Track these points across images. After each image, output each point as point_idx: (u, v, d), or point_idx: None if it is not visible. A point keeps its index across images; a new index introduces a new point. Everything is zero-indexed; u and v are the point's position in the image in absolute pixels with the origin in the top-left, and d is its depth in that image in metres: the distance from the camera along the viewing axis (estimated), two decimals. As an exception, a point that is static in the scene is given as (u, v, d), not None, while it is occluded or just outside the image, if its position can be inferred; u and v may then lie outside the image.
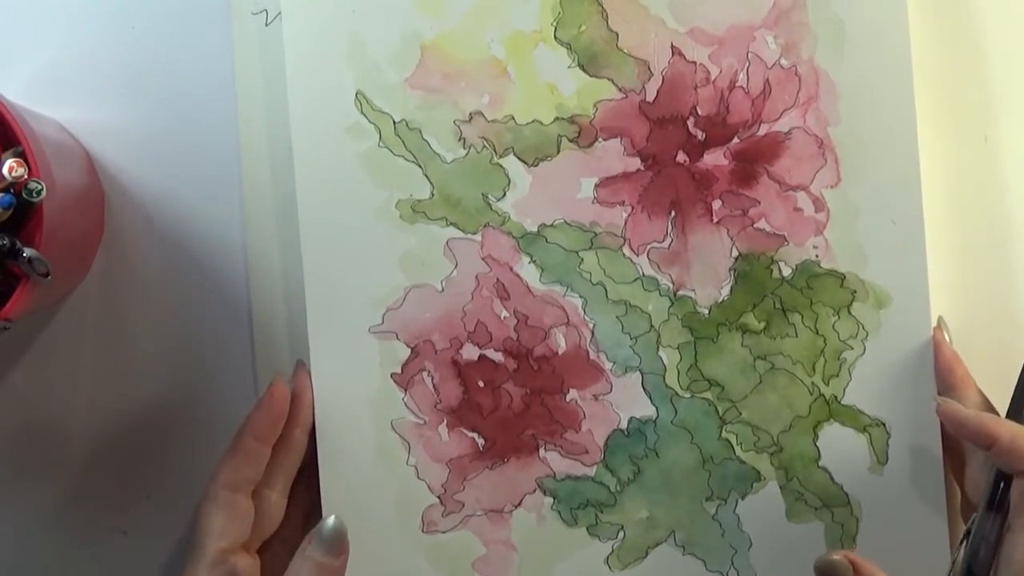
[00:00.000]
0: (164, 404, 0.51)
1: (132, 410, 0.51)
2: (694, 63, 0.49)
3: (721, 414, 0.49)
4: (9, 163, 0.40)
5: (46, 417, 0.51)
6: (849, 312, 0.48)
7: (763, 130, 0.49)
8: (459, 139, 0.49)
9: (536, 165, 0.49)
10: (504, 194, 0.49)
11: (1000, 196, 0.51)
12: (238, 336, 0.51)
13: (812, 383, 0.49)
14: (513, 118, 0.49)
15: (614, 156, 0.49)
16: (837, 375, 0.49)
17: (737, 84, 0.49)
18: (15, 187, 0.40)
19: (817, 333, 0.49)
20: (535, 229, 0.49)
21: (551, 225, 0.49)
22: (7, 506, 0.51)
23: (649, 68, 0.49)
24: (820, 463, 0.49)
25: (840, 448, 0.49)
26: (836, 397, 0.49)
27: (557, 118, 0.49)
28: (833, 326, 0.49)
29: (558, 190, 0.49)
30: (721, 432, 0.49)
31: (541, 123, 0.49)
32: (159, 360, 0.51)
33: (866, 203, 0.48)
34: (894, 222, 0.48)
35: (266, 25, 0.50)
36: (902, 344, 0.48)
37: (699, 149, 0.49)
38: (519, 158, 0.49)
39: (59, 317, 0.51)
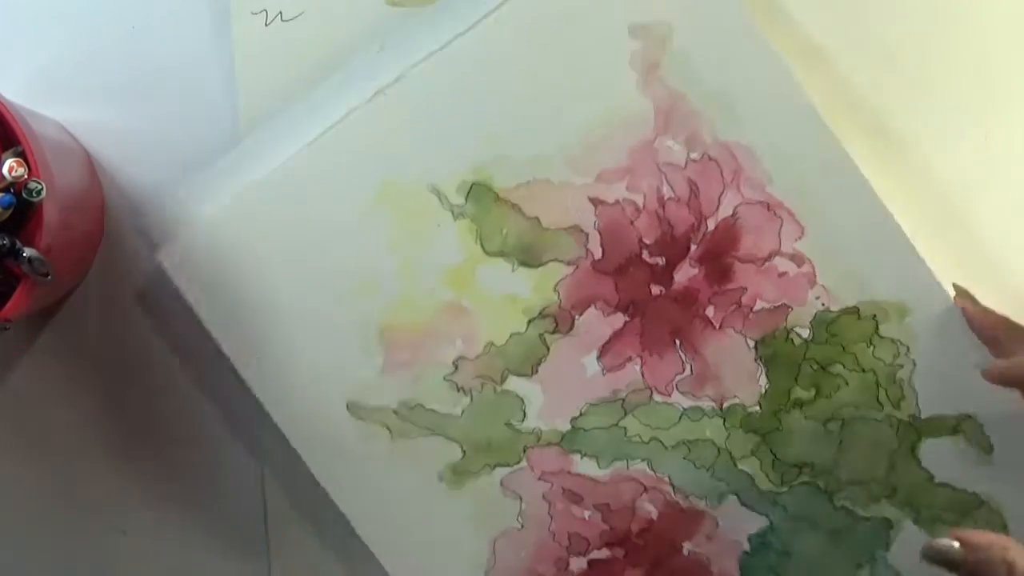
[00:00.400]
0: (164, 404, 0.51)
1: (132, 410, 0.51)
2: (618, 202, 0.49)
3: (825, 488, 0.49)
4: (9, 163, 0.40)
5: (46, 417, 0.51)
6: (880, 336, 0.48)
7: (711, 224, 0.49)
8: (458, 390, 0.49)
9: (537, 372, 0.49)
10: (524, 415, 0.49)
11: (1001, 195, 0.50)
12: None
13: (887, 415, 0.49)
14: (492, 344, 0.49)
15: (598, 324, 0.49)
16: (904, 396, 0.49)
17: (666, 199, 0.49)
18: (15, 187, 0.40)
19: (864, 371, 0.49)
20: (569, 427, 0.49)
21: (581, 415, 0.49)
22: (7, 506, 0.51)
23: (582, 230, 0.49)
24: (936, 481, 0.49)
25: (946, 458, 0.49)
26: (915, 416, 0.49)
27: (530, 321, 0.49)
28: (874, 355, 0.49)
29: (568, 382, 0.49)
30: (834, 504, 0.49)
31: (519, 334, 0.49)
32: (158, 359, 0.51)
33: (837, 234, 0.48)
34: (871, 236, 0.48)
35: (266, 25, 0.49)
36: (942, 336, 0.48)
37: (667, 273, 0.49)
38: (518, 375, 0.49)
39: (59, 317, 0.51)
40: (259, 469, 0.51)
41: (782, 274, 0.49)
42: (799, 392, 0.49)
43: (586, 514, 0.50)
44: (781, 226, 0.49)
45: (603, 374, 0.49)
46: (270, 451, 0.51)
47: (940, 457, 0.49)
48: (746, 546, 0.50)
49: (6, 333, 0.43)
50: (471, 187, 0.48)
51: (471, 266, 0.49)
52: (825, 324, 0.49)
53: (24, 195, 0.40)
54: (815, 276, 0.49)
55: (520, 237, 0.49)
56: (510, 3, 0.48)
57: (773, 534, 0.49)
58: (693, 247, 0.49)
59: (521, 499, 0.50)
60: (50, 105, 0.50)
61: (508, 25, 0.48)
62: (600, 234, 0.49)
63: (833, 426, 0.49)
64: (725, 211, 0.49)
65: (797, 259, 0.49)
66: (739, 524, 0.50)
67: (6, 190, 0.40)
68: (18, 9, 0.50)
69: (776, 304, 0.49)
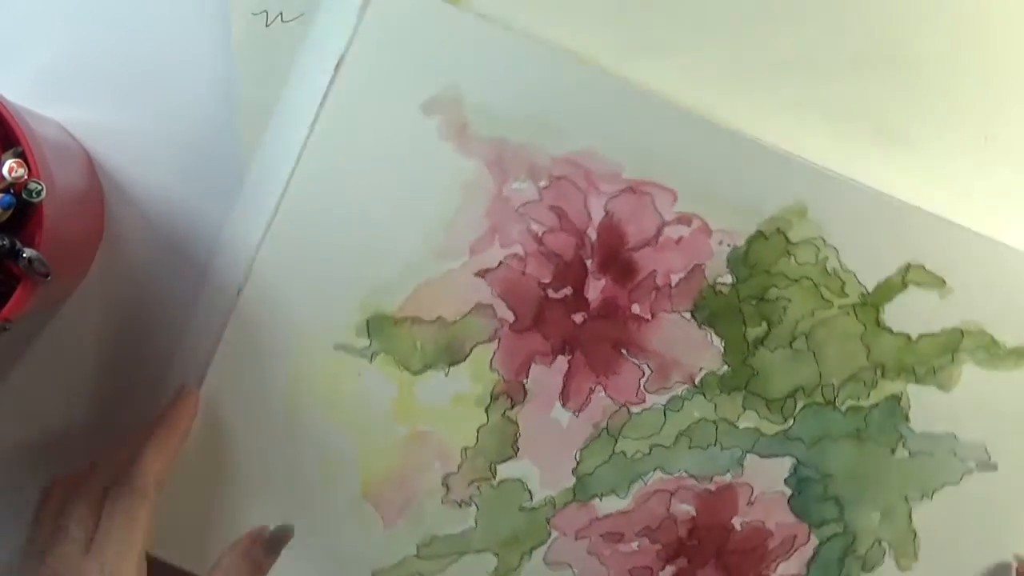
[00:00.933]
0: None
1: (132, 411, 0.50)
2: (502, 263, 0.49)
3: (827, 401, 0.49)
4: (9, 163, 0.39)
5: (46, 417, 0.51)
6: (793, 243, 0.49)
7: (593, 234, 0.49)
8: (460, 505, 0.49)
9: (518, 451, 0.49)
10: (530, 494, 0.49)
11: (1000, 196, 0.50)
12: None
13: (839, 307, 0.49)
14: (467, 448, 0.49)
15: (545, 377, 0.49)
16: (844, 282, 0.49)
17: (540, 235, 0.49)
18: (15, 187, 0.40)
19: (796, 280, 0.49)
20: (575, 480, 0.49)
21: (579, 463, 0.49)
22: (7, 506, 0.51)
23: (485, 304, 0.49)
24: (915, 338, 0.49)
25: (911, 313, 0.49)
26: (863, 293, 0.49)
27: (487, 408, 0.49)
28: (797, 263, 0.49)
29: (550, 443, 0.49)
30: (843, 408, 0.49)
31: (485, 425, 0.49)
32: (158, 360, 0.50)
33: (704, 179, 0.48)
34: (733, 163, 0.48)
35: (266, 25, 0.49)
36: (845, 211, 0.48)
37: (579, 298, 0.49)
38: (504, 461, 0.49)
39: (59, 317, 0.50)
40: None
41: (679, 240, 0.49)
42: (754, 331, 0.49)
43: (634, 545, 0.50)
44: (653, 200, 0.49)
45: (576, 417, 0.49)
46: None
47: (906, 315, 0.49)
48: (788, 491, 0.50)
49: (6, 333, 0.42)
50: (367, 323, 0.49)
51: (408, 391, 0.49)
52: (740, 261, 0.49)
53: (24, 195, 0.40)
54: (708, 225, 0.49)
55: (435, 343, 0.49)
56: (312, 139, 0.48)
57: (804, 467, 0.50)
58: (589, 262, 0.49)
59: (571, 566, 0.50)
60: (50, 105, 0.49)
61: (318, 162, 0.48)
62: (503, 299, 0.49)
63: (799, 344, 0.49)
64: (598, 215, 0.49)
65: (684, 220, 0.49)
66: (772, 476, 0.50)
67: (6, 190, 0.40)
68: (18, 9, 0.50)
69: (689, 269, 0.49)
